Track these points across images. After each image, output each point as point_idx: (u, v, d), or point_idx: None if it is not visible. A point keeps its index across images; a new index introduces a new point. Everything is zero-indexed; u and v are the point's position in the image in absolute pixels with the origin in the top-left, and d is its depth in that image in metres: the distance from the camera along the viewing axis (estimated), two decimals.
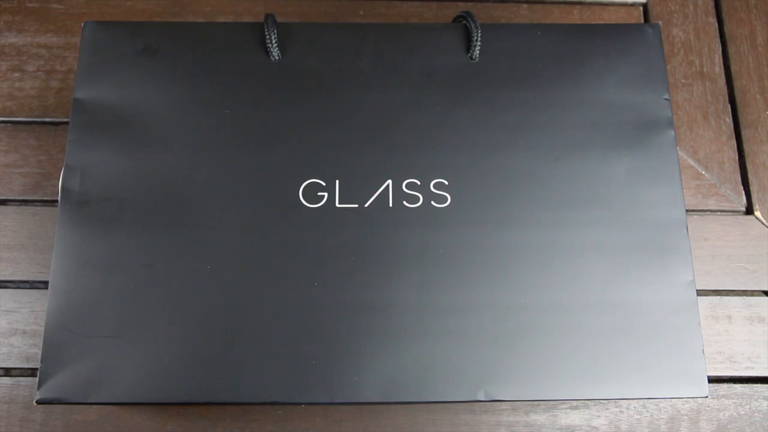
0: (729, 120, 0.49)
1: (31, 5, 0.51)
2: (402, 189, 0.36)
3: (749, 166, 0.48)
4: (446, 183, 0.36)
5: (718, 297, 0.44)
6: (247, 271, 0.35)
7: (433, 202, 0.36)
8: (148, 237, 0.35)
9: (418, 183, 0.36)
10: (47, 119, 0.48)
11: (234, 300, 0.34)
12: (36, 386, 0.33)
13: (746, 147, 0.48)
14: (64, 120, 0.48)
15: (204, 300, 0.34)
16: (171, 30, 0.39)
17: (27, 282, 0.44)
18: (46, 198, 0.46)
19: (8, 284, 0.43)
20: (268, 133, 0.37)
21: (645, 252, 0.36)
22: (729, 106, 0.49)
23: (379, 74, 0.38)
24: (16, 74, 0.49)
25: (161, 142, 0.36)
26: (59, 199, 0.35)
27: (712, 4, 0.52)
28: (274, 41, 0.37)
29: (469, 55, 0.38)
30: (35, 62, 0.49)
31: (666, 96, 0.39)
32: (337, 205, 0.36)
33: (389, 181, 0.36)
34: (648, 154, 0.37)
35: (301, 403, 0.34)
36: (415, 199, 0.36)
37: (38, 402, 0.33)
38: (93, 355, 0.33)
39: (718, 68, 0.50)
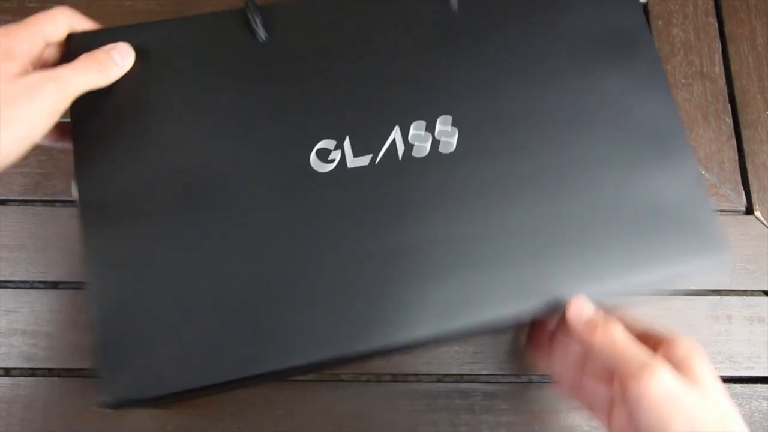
0: (729, 120, 0.49)
1: (31, 5, 0.51)
2: (411, 131, 0.37)
3: (749, 166, 0.48)
4: (451, 119, 0.37)
5: (718, 297, 0.44)
6: (276, 241, 0.35)
7: (443, 138, 0.37)
8: (174, 226, 0.35)
9: (425, 123, 0.37)
10: None
11: (271, 270, 0.35)
12: (89, 388, 0.33)
13: (746, 147, 0.48)
14: (64, 120, 0.48)
15: (241, 274, 0.34)
16: (155, 29, 0.39)
17: (27, 282, 0.44)
18: (46, 198, 0.46)
19: (8, 284, 0.43)
20: (269, 108, 0.38)
21: (647, 157, 0.37)
22: (729, 106, 0.49)
23: (364, 36, 0.39)
24: None
25: (170, 135, 0.37)
26: (78, 204, 0.35)
27: (712, 4, 0.52)
28: (258, 23, 0.38)
29: (450, 3, 0.40)
30: None
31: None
32: (350, 166, 0.36)
33: (396, 128, 0.37)
34: (633, 65, 0.39)
35: (363, 356, 0.34)
36: (425, 138, 0.37)
37: (105, 406, 0.33)
38: (149, 349, 0.33)
39: (718, 68, 0.50)
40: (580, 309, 0.33)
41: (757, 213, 0.46)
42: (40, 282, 0.44)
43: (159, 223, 0.35)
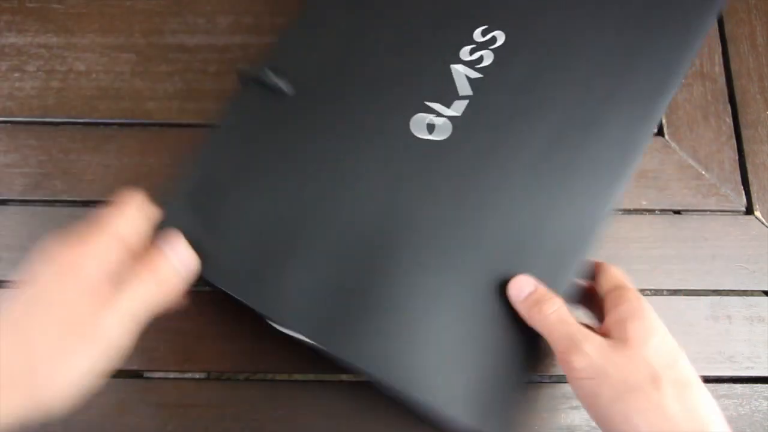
0: (729, 120, 0.49)
1: (31, 5, 0.51)
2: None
3: (749, 166, 0.48)
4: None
5: (718, 297, 0.44)
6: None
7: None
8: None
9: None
10: (47, 119, 0.48)
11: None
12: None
13: (746, 147, 0.48)
14: (64, 120, 0.48)
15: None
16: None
17: None
18: (46, 198, 0.46)
19: (8, 284, 0.43)
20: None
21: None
22: (729, 106, 0.49)
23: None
24: (16, 74, 0.49)
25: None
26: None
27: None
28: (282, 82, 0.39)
29: None
30: (35, 62, 0.49)
31: None
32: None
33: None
34: None
35: None
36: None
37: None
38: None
39: (718, 68, 0.50)
40: (519, 287, 0.33)
41: (757, 213, 0.46)
42: None
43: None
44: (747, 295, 0.44)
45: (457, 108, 0.38)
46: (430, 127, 0.37)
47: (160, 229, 0.34)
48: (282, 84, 0.38)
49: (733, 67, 0.50)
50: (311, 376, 0.42)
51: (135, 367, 0.41)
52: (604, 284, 0.34)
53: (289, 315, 0.34)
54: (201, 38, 0.50)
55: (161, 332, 0.41)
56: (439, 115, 0.38)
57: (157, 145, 0.47)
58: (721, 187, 0.47)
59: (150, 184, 0.46)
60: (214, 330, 0.42)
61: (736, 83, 0.50)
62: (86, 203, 0.46)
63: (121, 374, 0.40)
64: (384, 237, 0.35)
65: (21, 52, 0.50)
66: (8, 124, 0.48)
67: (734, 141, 0.48)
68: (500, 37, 0.39)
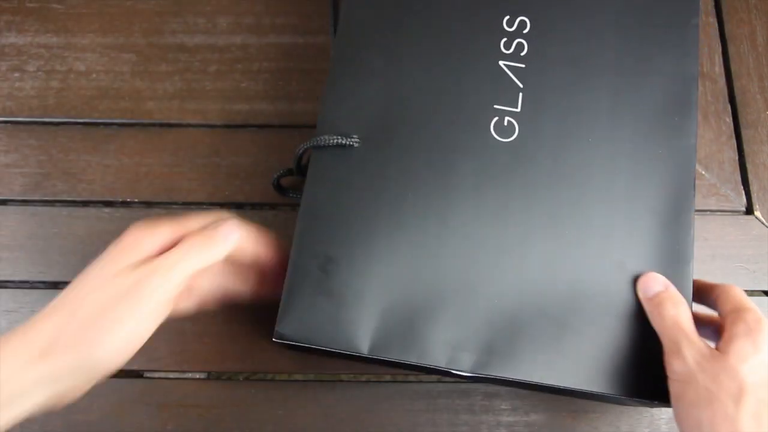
0: (729, 120, 0.49)
1: (31, 5, 0.51)
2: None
3: (749, 166, 0.48)
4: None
5: None
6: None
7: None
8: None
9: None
10: (47, 119, 0.48)
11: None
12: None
13: (746, 147, 0.48)
14: (64, 120, 0.48)
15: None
16: None
17: (27, 282, 0.44)
18: (46, 198, 0.46)
19: (8, 284, 0.43)
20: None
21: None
22: (729, 106, 0.49)
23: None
24: (16, 74, 0.49)
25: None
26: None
27: (712, 4, 0.52)
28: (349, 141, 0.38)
29: None
30: (35, 62, 0.49)
31: None
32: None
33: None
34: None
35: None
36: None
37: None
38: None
39: (718, 68, 0.50)
40: (647, 285, 0.34)
41: (757, 213, 0.46)
42: (40, 282, 0.44)
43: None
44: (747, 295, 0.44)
45: (519, 104, 0.38)
46: (506, 130, 0.37)
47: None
48: (346, 140, 0.36)
49: (733, 67, 0.50)
50: (311, 376, 0.42)
51: (135, 367, 0.41)
52: (725, 305, 0.34)
53: (451, 361, 0.34)
54: (201, 38, 0.50)
55: (161, 332, 0.41)
56: (508, 114, 0.37)
57: (157, 145, 0.47)
58: (721, 187, 0.47)
59: (150, 184, 0.46)
60: (214, 330, 0.42)
61: (736, 83, 0.50)
62: (86, 203, 0.46)
63: (121, 374, 0.40)
64: (513, 258, 0.35)
65: (21, 52, 0.50)
66: (8, 124, 0.48)
67: (734, 141, 0.48)
68: (527, 23, 0.39)
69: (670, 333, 0.32)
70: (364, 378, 0.42)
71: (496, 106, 0.37)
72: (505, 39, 0.39)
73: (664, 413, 0.41)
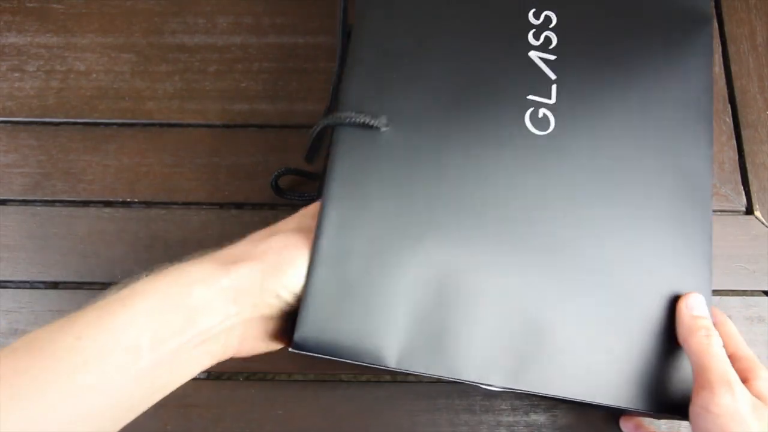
0: (729, 120, 0.49)
1: (31, 5, 0.51)
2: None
3: (749, 166, 0.48)
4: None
5: (718, 297, 0.44)
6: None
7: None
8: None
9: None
10: (47, 119, 0.48)
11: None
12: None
13: (746, 147, 0.48)
14: (64, 120, 0.48)
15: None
16: None
17: (27, 282, 0.44)
18: (46, 198, 0.46)
19: (8, 284, 0.43)
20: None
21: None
22: (729, 106, 0.49)
23: None
24: (16, 74, 0.49)
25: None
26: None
27: (712, 4, 0.52)
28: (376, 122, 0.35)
29: None
30: (35, 62, 0.49)
31: None
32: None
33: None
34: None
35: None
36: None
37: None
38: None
39: (718, 68, 0.50)
40: (694, 304, 0.34)
41: (757, 213, 0.46)
42: (40, 282, 0.44)
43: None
44: (747, 295, 0.44)
45: (553, 95, 0.36)
46: (542, 123, 0.35)
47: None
48: (374, 121, 0.33)
49: (733, 67, 0.50)
50: (311, 376, 0.42)
51: None
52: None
53: (482, 376, 0.32)
54: (201, 38, 0.50)
55: None
56: (543, 106, 0.36)
57: (157, 145, 0.47)
58: (721, 187, 0.47)
59: (150, 184, 0.46)
60: None
61: (736, 83, 0.50)
62: (86, 203, 0.46)
63: None
64: (541, 266, 0.33)
65: (21, 52, 0.50)
66: (8, 124, 0.48)
67: (734, 141, 0.48)
68: (552, 18, 0.38)
69: (719, 364, 0.31)
70: (364, 378, 0.42)
71: (529, 97, 0.36)
72: (533, 30, 0.37)
73: None
